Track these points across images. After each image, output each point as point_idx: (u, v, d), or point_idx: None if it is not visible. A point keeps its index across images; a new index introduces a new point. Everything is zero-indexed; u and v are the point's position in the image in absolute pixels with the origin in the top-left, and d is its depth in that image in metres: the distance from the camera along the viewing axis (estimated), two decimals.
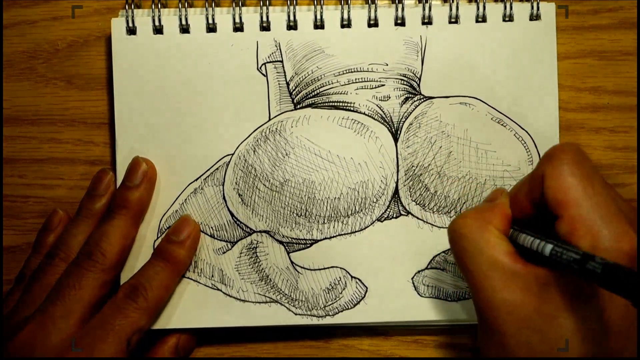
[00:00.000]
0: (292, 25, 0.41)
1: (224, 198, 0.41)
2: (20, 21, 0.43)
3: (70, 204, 0.43)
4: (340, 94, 0.41)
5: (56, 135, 0.43)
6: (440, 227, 0.41)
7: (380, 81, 0.41)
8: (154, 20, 0.41)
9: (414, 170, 0.41)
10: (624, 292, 0.26)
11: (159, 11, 0.41)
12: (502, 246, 0.32)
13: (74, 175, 0.43)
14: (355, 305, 0.41)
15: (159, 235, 0.41)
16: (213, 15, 0.41)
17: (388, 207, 0.41)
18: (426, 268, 0.41)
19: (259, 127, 0.41)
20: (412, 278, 0.41)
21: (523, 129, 0.41)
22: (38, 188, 0.43)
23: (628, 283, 0.25)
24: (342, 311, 0.41)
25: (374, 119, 0.41)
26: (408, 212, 0.41)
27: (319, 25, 0.41)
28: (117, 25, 0.41)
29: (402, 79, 0.41)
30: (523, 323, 0.31)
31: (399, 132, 0.41)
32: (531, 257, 0.31)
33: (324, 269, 0.41)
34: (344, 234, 0.41)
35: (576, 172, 0.31)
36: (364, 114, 0.41)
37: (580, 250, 0.28)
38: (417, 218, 0.41)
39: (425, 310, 0.41)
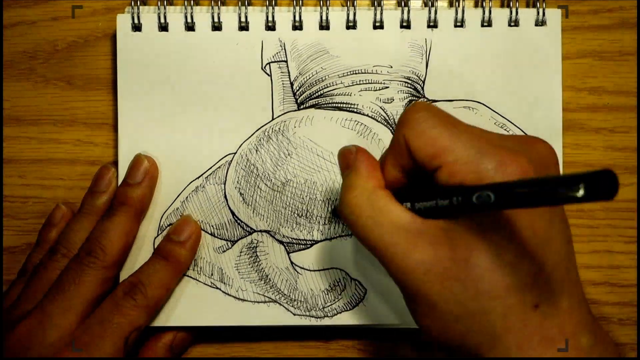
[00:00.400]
0: (297, 26, 0.41)
1: (225, 197, 0.41)
2: (20, 21, 0.43)
3: (69, 205, 0.42)
4: (344, 95, 0.41)
5: (56, 136, 0.43)
6: None
7: (384, 83, 0.41)
8: (159, 17, 0.41)
9: None
10: (536, 201, 0.25)
11: (165, 8, 0.41)
12: (396, 208, 0.31)
13: (73, 176, 0.43)
14: (354, 307, 0.41)
15: (160, 232, 0.41)
16: (219, 13, 0.41)
17: None
18: None
19: (261, 127, 0.41)
20: None
21: (526, 134, 0.41)
22: (38, 188, 0.43)
23: (532, 192, 0.25)
24: (340, 312, 0.41)
25: (377, 121, 0.41)
26: None
27: (324, 26, 0.41)
28: (123, 21, 0.41)
29: (406, 82, 0.41)
30: (442, 276, 0.30)
31: None
32: (423, 214, 0.31)
33: (324, 270, 0.41)
34: (345, 235, 0.41)
35: (436, 122, 0.31)
36: (367, 115, 0.41)
37: (485, 185, 0.28)
38: None
39: None
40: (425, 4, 0.41)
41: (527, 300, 0.30)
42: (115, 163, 0.42)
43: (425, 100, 0.41)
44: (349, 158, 0.35)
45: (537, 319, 0.30)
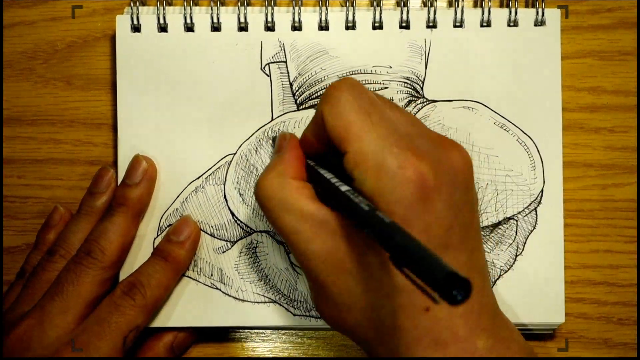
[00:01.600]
0: (296, 26, 0.41)
1: (224, 197, 0.41)
2: (19, 21, 0.44)
3: (69, 205, 0.43)
4: None
5: (55, 136, 0.43)
6: None
7: (383, 83, 0.41)
8: (158, 19, 0.41)
9: None
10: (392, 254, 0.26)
11: (164, 9, 0.41)
12: (306, 196, 0.32)
13: (73, 176, 0.43)
14: None
15: (159, 233, 0.41)
16: (218, 14, 0.41)
17: None
18: None
19: (261, 127, 0.41)
20: None
21: (526, 134, 0.41)
22: (37, 188, 0.43)
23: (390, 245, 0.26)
24: None
25: None
26: None
27: (323, 26, 0.41)
28: (122, 22, 0.41)
29: (405, 82, 0.41)
30: (337, 269, 0.31)
31: None
32: (328, 196, 0.32)
33: None
34: None
35: (355, 106, 0.31)
36: None
37: (363, 203, 0.29)
38: None
39: None
40: (425, 4, 0.41)
41: (418, 303, 0.30)
42: (114, 163, 0.42)
43: (425, 100, 0.41)
44: (281, 143, 0.36)
45: (428, 321, 0.30)
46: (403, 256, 0.25)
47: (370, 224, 0.27)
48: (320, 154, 0.35)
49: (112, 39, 0.43)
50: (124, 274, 0.40)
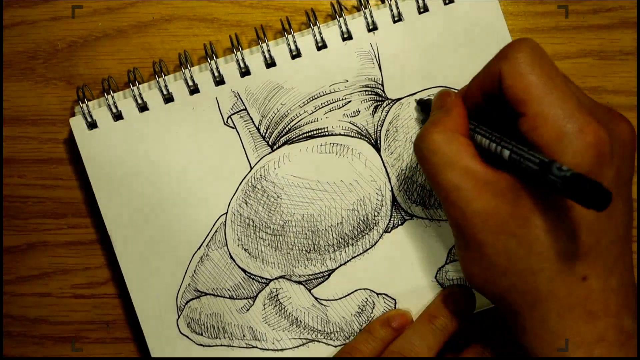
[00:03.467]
0: (244, 72, 0.41)
1: (231, 257, 0.41)
2: (20, 21, 0.43)
3: (69, 205, 0.43)
4: (311, 122, 0.41)
5: (56, 136, 0.43)
6: (447, 220, 0.41)
7: (345, 99, 0.41)
8: (110, 108, 0.40)
9: (405, 173, 0.41)
10: (585, 202, 0.26)
11: (113, 98, 0.40)
12: (471, 154, 0.32)
13: (73, 176, 0.43)
14: None
15: (179, 313, 0.41)
16: (166, 85, 0.40)
17: (391, 216, 0.41)
18: (446, 263, 0.41)
19: (243, 179, 0.41)
20: (435, 277, 0.41)
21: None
22: (38, 188, 0.43)
23: (588, 193, 0.26)
24: None
25: (350, 136, 0.41)
26: (412, 215, 0.41)
27: (269, 63, 0.41)
28: (77, 123, 0.41)
29: (366, 90, 0.41)
30: (499, 229, 0.31)
31: (378, 141, 0.41)
32: (491, 156, 0.32)
33: (349, 294, 0.41)
34: (357, 255, 0.41)
35: (536, 69, 0.31)
36: (340, 134, 0.41)
37: (538, 156, 0.29)
38: (422, 218, 0.41)
39: None
40: (358, 9, 0.41)
41: (577, 270, 0.30)
42: (109, 250, 0.41)
43: (391, 101, 0.41)
44: (445, 100, 0.35)
45: (584, 291, 0.30)
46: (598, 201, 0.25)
47: (554, 177, 0.27)
48: (479, 111, 0.35)
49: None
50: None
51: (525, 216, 0.30)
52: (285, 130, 0.41)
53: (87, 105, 0.40)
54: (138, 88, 0.40)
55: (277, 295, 0.41)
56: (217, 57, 0.41)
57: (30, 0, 0.43)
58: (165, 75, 0.41)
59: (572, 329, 0.30)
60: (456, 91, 0.36)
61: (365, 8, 0.41)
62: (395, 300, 0.41)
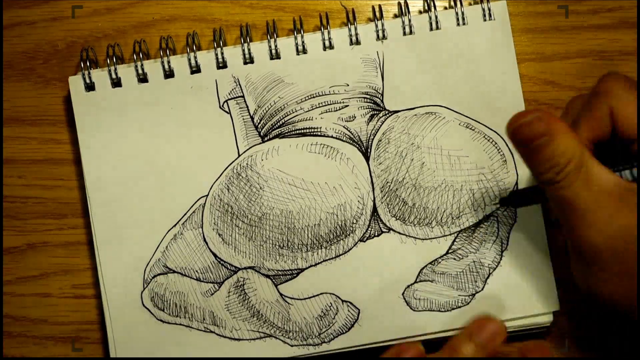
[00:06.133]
0: (248, 60, 0.41)
1: (204, 240, 0.41)
2: (20, 21, 0.44)
3: (69, 205, 0.43)
4: (306, 120, 0.41)
5: (56, 136, 0.43)
6: (423, 239, 0.41)
7: (343, 102, 0.41)
8: (110, 74, 0.41)
9: (389, 186, 0.41)
10: None
11: (115, 65, 0.41)
12: (603, 170, 0.32)
13: (73, 176, 0.43)
14: (349, 329, 0.41)
15: (145, 286, 0.41)
16: (169, 61, 0.41)
17: (369, 226, 0.41)
18: (415, 282, 0.41)
19: (229, 165, 0.41)
20: (402, 294, 0.41)
21: (492, 130, 0.41)
22: (38, 189, 0.43)
23: None
24: (337, 336, 0.40)
25: (342, 140, 0.41)
26: (389, 229, 0.41)
27: (274, 55, 0.41)
28: (75, 83, 0.41)
29: (364, 97, 0.41)
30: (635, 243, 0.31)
31: (369, 150, 0.41)
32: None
33: (314, 296, 0.41)
34: (329, 259, 0.41)
35: (635, 94, 0.32)
36: (332, 137, 0.41)
37: None
38: (399, 233, 0.41)
39: (420, 324, 0.40)
40: (371, 19, 0.41)
41: None
42: (86, 219, 0.42)
43: (387, 112, 0.41)
44: (538, 126, 0.32)
45: None
46: None
47: None
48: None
49: (115, 37, 0.43)
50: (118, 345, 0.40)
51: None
52: (278, 124, 0.41)
53: (88, 67, 0.41)
54: (141, 60, 0.41)
55: (243, 284, 0.41)
56: (225, 45, 0.41)
57: (30, 1, 0.44)
58: (170, 55, 0.41)
59: None
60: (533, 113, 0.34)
61: (379, 19, 0.41)
62: (359, 309, 0.41)
